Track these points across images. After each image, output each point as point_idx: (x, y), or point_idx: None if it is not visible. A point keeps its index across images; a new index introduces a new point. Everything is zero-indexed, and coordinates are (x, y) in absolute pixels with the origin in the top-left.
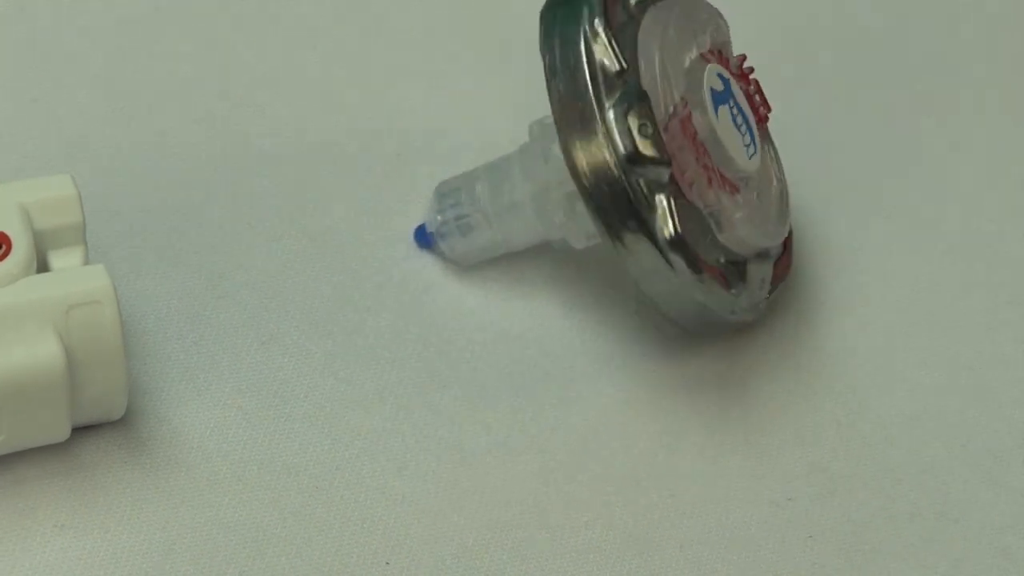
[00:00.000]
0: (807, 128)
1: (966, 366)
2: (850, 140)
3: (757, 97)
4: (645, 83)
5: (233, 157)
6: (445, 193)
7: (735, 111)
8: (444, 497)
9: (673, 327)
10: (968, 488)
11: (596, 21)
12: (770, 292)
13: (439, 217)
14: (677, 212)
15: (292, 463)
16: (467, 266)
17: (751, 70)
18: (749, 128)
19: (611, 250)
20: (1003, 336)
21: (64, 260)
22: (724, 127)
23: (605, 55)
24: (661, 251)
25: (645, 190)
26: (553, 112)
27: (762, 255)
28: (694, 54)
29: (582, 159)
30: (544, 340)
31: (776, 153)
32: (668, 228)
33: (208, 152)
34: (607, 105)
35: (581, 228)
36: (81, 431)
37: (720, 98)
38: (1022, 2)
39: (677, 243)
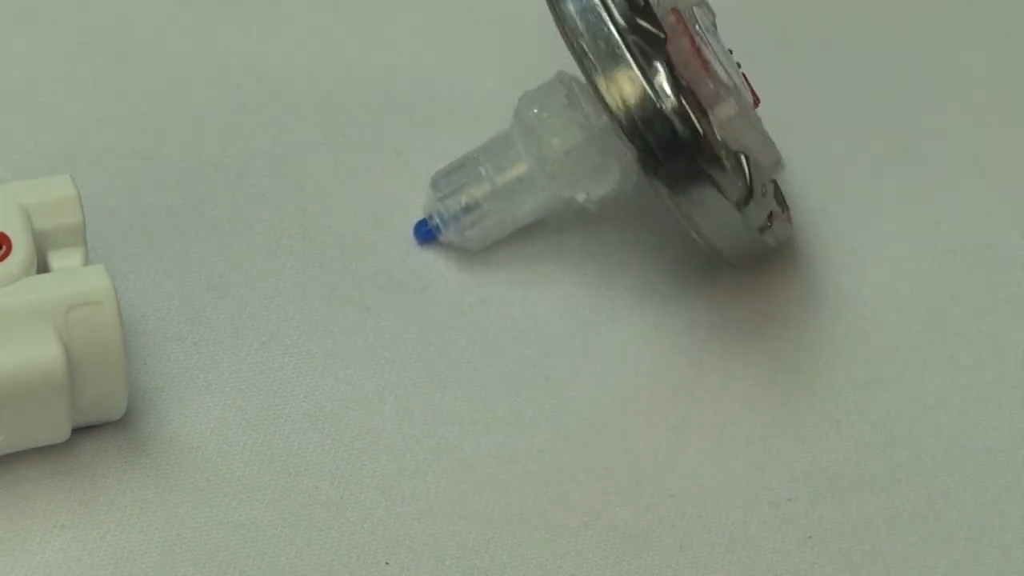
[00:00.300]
0: (807, 128)
1: (966, 366)
2: (850, 140)
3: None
4: None
5: (233, 157)
6: (444, 181)
7: (726, 53)
8: (444, 497)
9: (701, 256)
10: (968, 488)
11: None
12: (769, 219)
13: (443, 205)
14: (676, 81)
15: (292, 463)
16: (475, 250)
17: (738, 65)
18: (739, 75)
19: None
20: (1003, 336)
21: (64, 260)
22: (717, 49)
23: None
24: (662, 102)
25: (642, 55)
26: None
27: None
28: None
29: (584, 33)
30: (544, 340)
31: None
32: (670, 94)
33: (208, 152)
34: None
35: (584, 177)
36: (81, 431)
37: (711, 33)
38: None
39: (679, 108)
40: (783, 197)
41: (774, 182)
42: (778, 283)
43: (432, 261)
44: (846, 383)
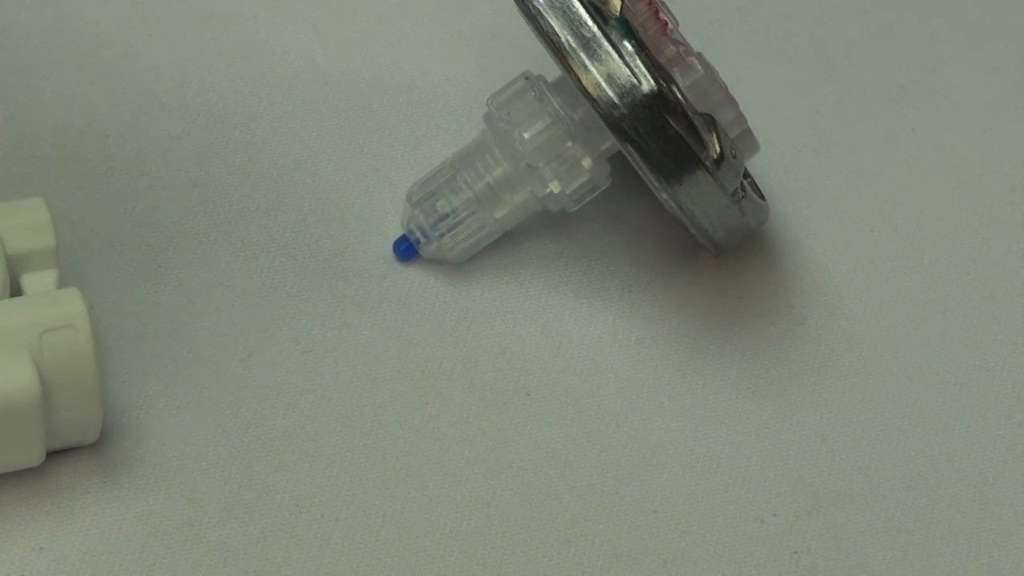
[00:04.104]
0: (792, 140)
1: (951, 381)
2: (835, 153)
3: None
4: None
5: (210, 174)
6: (420, 191)
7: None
8: (425, 515)
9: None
10: (953, 503)
11: None
12: (742, 188)
13: (420, 214)
14: (639, 44)
15: (271, 481)
16: (456, 262)
17: None
18: None
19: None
20: (988, 351)
21: (37, 283)
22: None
23: None
24: (629, 65)
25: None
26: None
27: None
28: None
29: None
30: (526, 355)
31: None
32: (634, 55)
33: (186, 169)
34: None
35: (558, 166)
36: (58, 452)
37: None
38: (1010, 18)
39: (645, 71)
40: (759, 190)
41: (749, 175)
42: (760, 298)
43: (412, 277)
44: (830, 397)
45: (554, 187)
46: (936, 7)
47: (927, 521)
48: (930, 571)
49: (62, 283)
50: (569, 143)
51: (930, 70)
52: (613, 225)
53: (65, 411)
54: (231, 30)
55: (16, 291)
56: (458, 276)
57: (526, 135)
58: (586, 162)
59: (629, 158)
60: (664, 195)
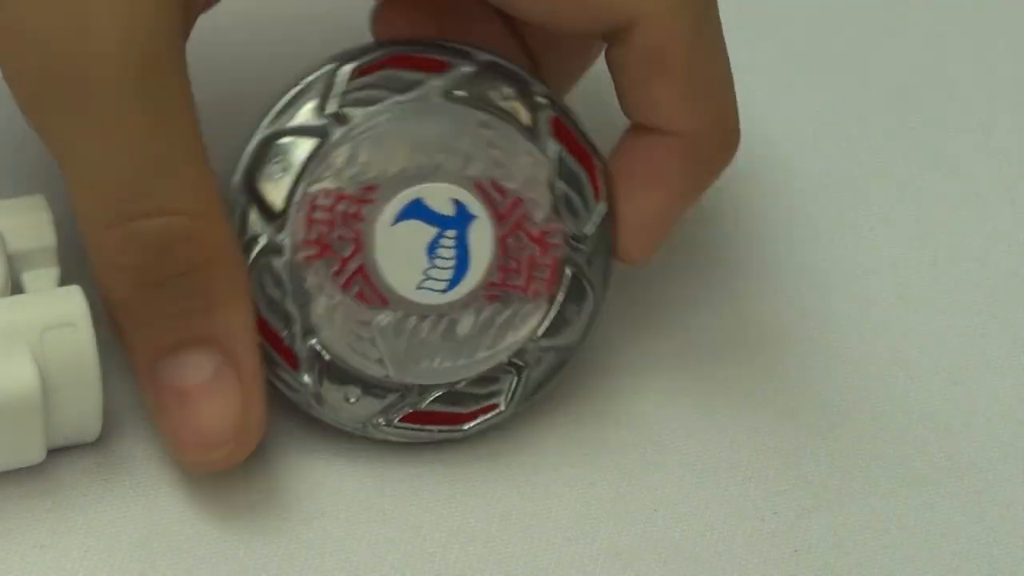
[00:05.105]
0: (791, 139)
1: (952, 380)
2: (834, 153)
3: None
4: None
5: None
6: None
7: (445, 240)
8: (425, 508)
9: None
10: (954, 502)
11: None
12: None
13: None
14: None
15: (272, 480)
16: None
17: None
18: (461, 267)
19: None
20: (989, 350)
21: (38, 281)
22: (393, 240)
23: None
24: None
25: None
26: None
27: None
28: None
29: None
30: None
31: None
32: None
33: None
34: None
35: None
36: (60, 450)
37: (419, 212)
38: (1014, 19)
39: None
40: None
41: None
42: (760, 297)
43: None
44: (831, 396)
45: None
46: (937, 7)
47: (928, 519)
48: (930, 571)
49: (63, 281)
50: None
51: (930, 70)
52: None
53: (66, 409)
54: (232, 31)
55: (17, 289)
56: None
57: None
58: None
59: None
60: None
